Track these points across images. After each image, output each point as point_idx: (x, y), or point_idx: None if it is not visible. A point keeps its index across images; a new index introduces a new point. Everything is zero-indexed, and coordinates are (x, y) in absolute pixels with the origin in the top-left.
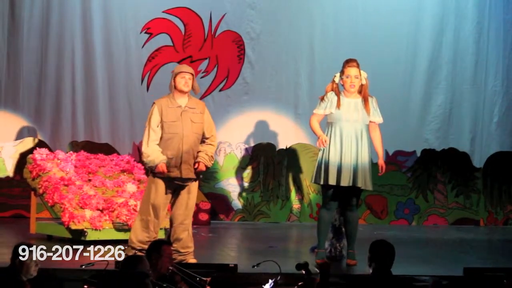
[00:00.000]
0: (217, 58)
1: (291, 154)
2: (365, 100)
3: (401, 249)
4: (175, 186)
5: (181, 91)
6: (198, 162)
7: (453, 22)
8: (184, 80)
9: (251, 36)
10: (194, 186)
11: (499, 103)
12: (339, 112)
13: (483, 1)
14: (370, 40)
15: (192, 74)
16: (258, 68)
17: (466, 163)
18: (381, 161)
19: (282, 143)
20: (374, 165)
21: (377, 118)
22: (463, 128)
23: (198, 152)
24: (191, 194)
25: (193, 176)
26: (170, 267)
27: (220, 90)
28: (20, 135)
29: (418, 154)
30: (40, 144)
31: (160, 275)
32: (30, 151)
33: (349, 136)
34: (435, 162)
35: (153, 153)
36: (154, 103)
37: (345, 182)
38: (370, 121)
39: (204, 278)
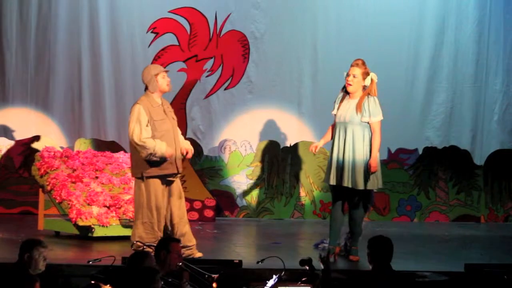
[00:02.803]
0: (222, 57)
1: (295, 151)
2: (359, 99)
3: (403, 245)
4: (167, 184)
5: (163, 91)
6: (187, 149)
7: (454, 22)
8: (166, 80)
9: (255, 35)
10: (178, 181)
11: (499, 101)
12: (338, 113)
13: (484, 2)
14: (372, 40)
15: (168, 71)
16: (262, 67)
17: (467, 161)
18: (370, 161)
19: (286, 141)
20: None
21: (367, 118)
22: (464, 126)
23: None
24: (180, 189)
25: (181, 170)
26: (179, 264)
27: (225, 89)
28: (28, 133)
29: (420, 152)
30: (48, 141)
31: (168, 272)
32: (38, 148)
33: (342, 136)
34: (436, 159)
35: (156, 144)
36: (137, 103)
37: (333, 181)
38: (365, 122)
39: (213, 275)
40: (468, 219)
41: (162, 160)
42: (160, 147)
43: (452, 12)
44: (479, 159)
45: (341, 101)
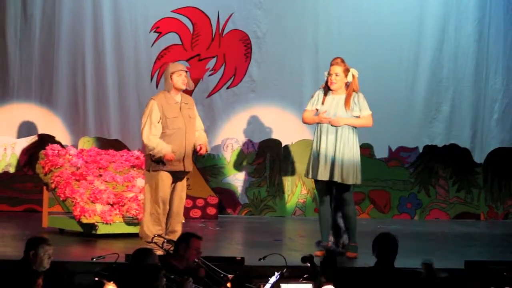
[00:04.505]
0: (224, 56)
1: (296, 150)
2: (347, 96)
3: (403, 242)
4: (174, 179)
5: (179, 89)
6: (201, 145)
7: (454, 21)
8: (182, 78)
9: (257, 35)
10: (185, 180)
11: (499, 100)
12: (322, 108)
13: (484, 2)
14: (373, 39)
15: (187, 71)
16: (264, 67)
17: (467, 159)
18: (338, 117)
19: (288, 139)
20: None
21: (358, 112)
22: (464, 124)
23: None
24: (184, 187)
25: (191, 169)
26: (196, 260)
27: (227, 88)
28: (32, 131)
29: (420, 150)
30: (52, 140)
31: (185, 266)
32: (43, 146)
33: (330, 131)
34: (437, 157)
35: (158, 145)
36: (152, 99)
37: (323, 176)
38: (356, 116)
39: (229, 275)
40: (468, 216)
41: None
42: (160, 149)
43: (452, 12)
44: (479, 157)
45: (324, 95)
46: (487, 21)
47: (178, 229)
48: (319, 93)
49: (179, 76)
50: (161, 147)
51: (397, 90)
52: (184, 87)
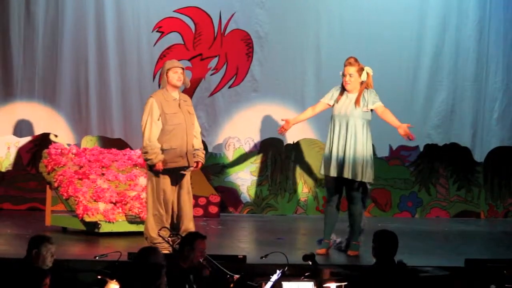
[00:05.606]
0: (226, 56)
1: (298, 148)
2: (358, 93)
3: (404, 241)
4: (178, 178)
5: (174, 86)
6: (198, 162)
7: (455, 21)
8: (177, 75)
9: (259, 34)
10: (188, 177)
11: (499, 99)
12: (336, 106)
13: (484, 1)
14: (375, 39)
15: (183, 68)
16: (266, 66)
17: (468, 158)
18: (404, 128)
19: (290, 138)
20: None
21: (366, 106)
22: (464, 123)
23: (195, 150)
24: (189, 184)
25: (193, 164)
26: (200, 260)
27: (230, 87)
28: (35, 130)
29: (421, 149)
30: (55, 139)
31: (190, 266)
32: (46, 145)
33: (342, 129)
34: (437, 156)
35: (153, 152)
36: (151, 96)
37: (333, 172)
38: (371, 110)
39: (234, 276)
40: (468, 215)
41: (172, 152)
42: (152, 158)
43: (452, 12)
44: (479, 156)
45: (340, 94)
46: (487, 21)
47: (191, 227)
48: (336, 90)
49: (175, 73)
50: (154, 156)
51: (397, 89)
52: (179, 84)
